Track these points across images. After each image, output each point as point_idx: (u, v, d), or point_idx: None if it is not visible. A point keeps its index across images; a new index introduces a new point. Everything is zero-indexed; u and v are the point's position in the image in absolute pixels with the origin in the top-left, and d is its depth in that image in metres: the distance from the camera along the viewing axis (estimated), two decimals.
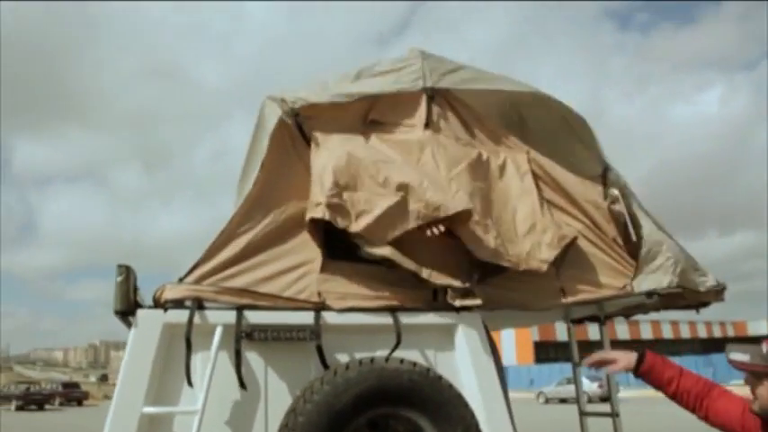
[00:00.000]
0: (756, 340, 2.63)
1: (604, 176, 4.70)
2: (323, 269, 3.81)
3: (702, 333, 69.75)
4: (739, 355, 2.40)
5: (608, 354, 3.04)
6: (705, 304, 5.13)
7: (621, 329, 57.43)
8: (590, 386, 30.63)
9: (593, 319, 5.89)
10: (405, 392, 3.43)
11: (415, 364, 3.50)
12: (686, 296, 4.83)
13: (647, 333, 63.55)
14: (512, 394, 3.55)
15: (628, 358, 2.97)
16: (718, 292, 4.89)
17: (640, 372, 2.95)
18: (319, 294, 3.76)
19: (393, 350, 3.71)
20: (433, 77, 4.34)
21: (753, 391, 2.41)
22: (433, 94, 4.30)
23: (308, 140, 3.99)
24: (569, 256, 4.36)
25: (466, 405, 3.55)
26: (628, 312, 5.64)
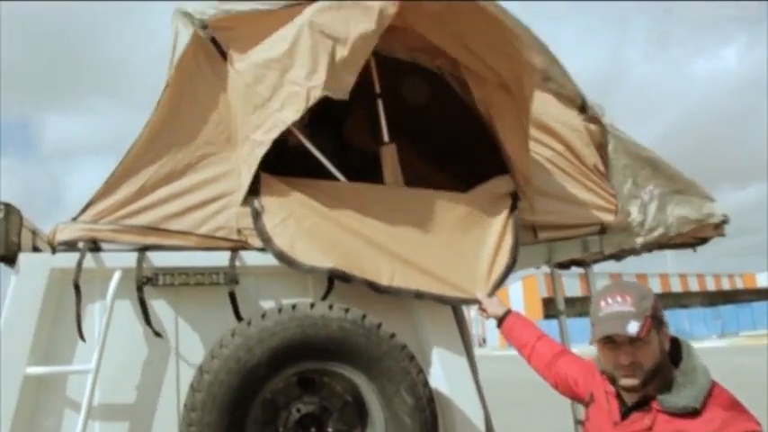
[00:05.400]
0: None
1: (582, 103, 4.09)
2: (245, 202, 3.23)
3: (711, 286, 69.10)
4: (623, 328, 2.18)
5: (484, 300, 3.34)
6: (703, 241, 4.55)
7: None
8: None
9: (578, 263, 5.32)
10: (334, 344, 2.87)
11: (347, 309, 2.94)
12: (685, 233, 4.26)
13: (655, 286, 62.51)
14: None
15: (494, 311, 3.31)
16: (717, 226, 4.31)
17: (502, 329, 3.26)
18: (239, 232, 3.19)
19: (326, 295, 3.17)
20: None
21: (630, 365, 2.20)
22: None
23: (223, 54, 3.38)
24: (542, 187, 3.78)
25: (411, 358, 2.98)
26: (618, 254, 5.06)
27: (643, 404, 2.21)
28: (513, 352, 3.16)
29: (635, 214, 3.94)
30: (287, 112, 3.18)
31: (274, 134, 3.17)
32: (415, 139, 4.42)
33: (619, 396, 2.32)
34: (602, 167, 3.95)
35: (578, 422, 5.17)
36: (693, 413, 2.06)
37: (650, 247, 4.65)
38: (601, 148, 3.96)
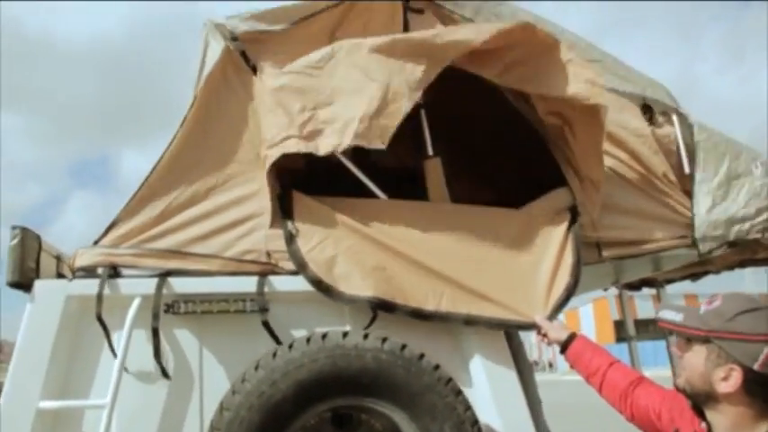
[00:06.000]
0: None
1: (645, 104, 3.71)
2: (274, 223, 2.98)
3: None
4: (671, 315, 1.95)
5: (543, 323, 2.95)
6: None
7: None
8: None
9: (649, 283, 4.89)
10: (369, 377, 2.56)
11: (384, 339, 2.63)
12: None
13: None
14: None
15: (556, 335, 2.88)
16: None
17: (567, 357, 2.81)
18: (269, 255, 2.93)
19: (369, 324, 2.86)
20: None
21: (679, 363, 1.98)
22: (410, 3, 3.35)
23: (253, 68, 3.16)
24: (606, 200, 3.40)
25: (457, 393, 2.65)
26: (693, 272, 4.61)
27: None
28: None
29: (736, 197, 3.51)
30: (320, 142, 2.95)
31: (295, 150, 2.93)
32: (459, 151, 4.09)
33: None
34: (672, 177, 3.55)
35: None
36: None
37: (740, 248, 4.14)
38: (671, 155, 3.56)
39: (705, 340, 1.84)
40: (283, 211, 2.97)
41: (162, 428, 2.75)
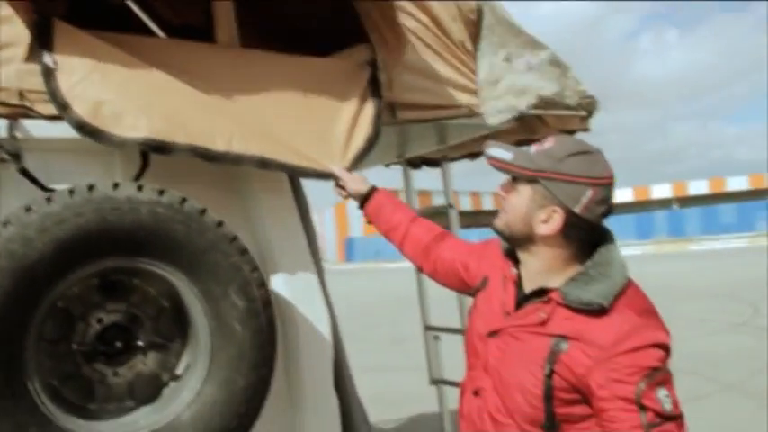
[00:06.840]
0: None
1: None
2: (30, 57, 2.48)
3: None
4: (501, 152, 1.87)
5: (343, 174, 2.76)
6: (569, 134, 4.26)
7: (487, 201, 57.05)
8: None
9: (431, 162, 4.93)
10: (144, 234, 2.22)
11: (161, 191, 2.29)
12: (548, 123, 3.95)
13: (487, 202, 58.22)
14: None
15: (356, 187, 2.74)
16: (582, 119, 4.03)
17: (366, 211, 2.73)
18: (21, 95, 2.44)
19: (139, 174, 2.52)
20: None
21: (501, 204, 1.94)
22: None
23: None
24: (405, 60, 3.26)
25: (243, 252, 2.42)
26: (472, 151, 4.70)
27: (542, 294, 1.83)
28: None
29: (502, 87, 3.52)
30: None
31: None
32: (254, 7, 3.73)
33: (518, 283, 1.94)
34: (469, 45, 3.49)
35: (428, 328, 4.90)
36: (599, 311, 1.71)
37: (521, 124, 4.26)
38: (469, 24, 3.49)
39: (532, 180, 1.81)
40: (41, 41, 2.45)
41: None
